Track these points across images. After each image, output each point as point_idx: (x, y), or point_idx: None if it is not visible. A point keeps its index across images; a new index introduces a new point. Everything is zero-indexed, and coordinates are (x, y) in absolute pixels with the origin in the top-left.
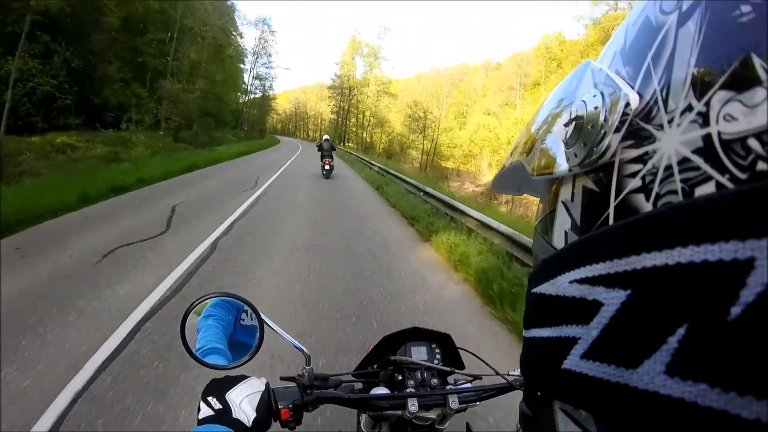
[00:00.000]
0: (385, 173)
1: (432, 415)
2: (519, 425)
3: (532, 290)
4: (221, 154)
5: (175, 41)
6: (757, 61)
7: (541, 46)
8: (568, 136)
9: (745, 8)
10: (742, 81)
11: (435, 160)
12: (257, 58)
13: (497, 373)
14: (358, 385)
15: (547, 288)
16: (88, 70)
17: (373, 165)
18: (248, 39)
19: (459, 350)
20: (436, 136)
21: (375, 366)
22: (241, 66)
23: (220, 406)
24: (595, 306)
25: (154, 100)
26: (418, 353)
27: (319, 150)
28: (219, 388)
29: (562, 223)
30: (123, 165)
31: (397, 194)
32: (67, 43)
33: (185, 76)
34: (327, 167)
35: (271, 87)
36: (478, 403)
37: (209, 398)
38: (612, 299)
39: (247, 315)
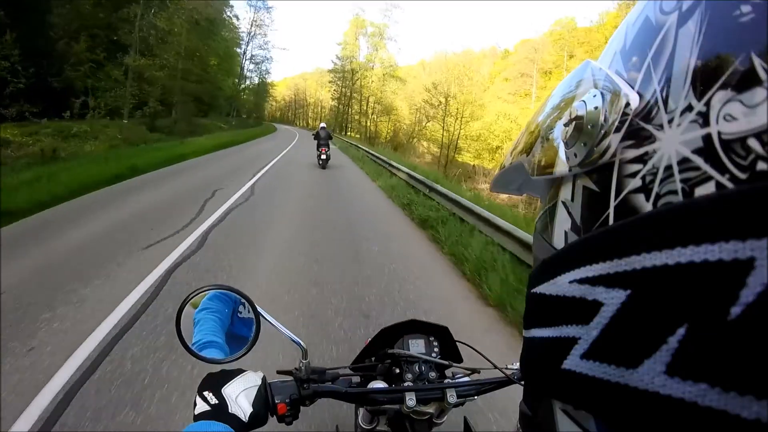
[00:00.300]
0: (428, 189)
1: (430, 409)
2: (519, 425)
3: (532, 290)
4: (196, 146)
5: (141, 6)
6: (757, 61)
7: (554, 31)
8: (568, 136)
9: (745, 8)
10: (742, 81)
11: (453, 156)
12: (252, 37)
13: (495, 367)
14: (356, 379)
15: (547, 288)
16: (47, 49)
17: (397, 169)
18: (243, 23)
19: (457, 343)
20: (459, 125)
21: (372, 359)
22: (237, 50)
23: (216, 401)
24: (595, 306)
25: (122, 81)
26: (416, 346)
27: (315, 138)
28: (215, 382)
29: (562, 223)
30: (40, 170)
31: (491, 263)
32: (23, 17)
33: (157, 50)
34: (323, 156)
35: (267, 71)
36: (476, 397)
37: (205, 393)
38: (612, 299)
39: (244, 307)
